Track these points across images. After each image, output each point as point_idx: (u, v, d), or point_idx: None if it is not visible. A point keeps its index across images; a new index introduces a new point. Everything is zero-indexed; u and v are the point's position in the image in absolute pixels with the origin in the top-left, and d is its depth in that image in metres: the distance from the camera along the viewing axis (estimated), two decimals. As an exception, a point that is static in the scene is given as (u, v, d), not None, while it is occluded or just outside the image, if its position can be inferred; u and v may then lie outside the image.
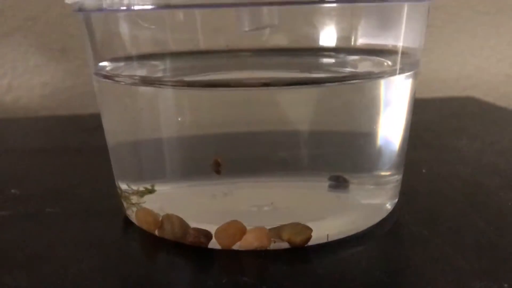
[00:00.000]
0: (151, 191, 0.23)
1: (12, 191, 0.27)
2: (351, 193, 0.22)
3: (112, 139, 0.24)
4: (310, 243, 0.20)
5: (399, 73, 0.22)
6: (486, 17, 0.51)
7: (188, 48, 0.22)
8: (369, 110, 0.22)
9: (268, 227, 0.20)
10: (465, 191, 0.26)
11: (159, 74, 0.23)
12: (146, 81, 0.22)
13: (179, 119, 0.21)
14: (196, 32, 0.21)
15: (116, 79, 0.23)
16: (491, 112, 0.44)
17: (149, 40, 0.22)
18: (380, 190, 0.23)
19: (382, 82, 0.22)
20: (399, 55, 0.22)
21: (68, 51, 0.46)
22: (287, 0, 0.20)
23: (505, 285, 0.18)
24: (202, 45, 0.22)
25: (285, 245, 0.20)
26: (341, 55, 0.24)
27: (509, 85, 0.53)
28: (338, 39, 0.21)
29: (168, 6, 0.20)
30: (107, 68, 0.23)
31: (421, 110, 0.23)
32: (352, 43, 0.22)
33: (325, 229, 0.21)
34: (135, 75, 0.23)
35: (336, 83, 0.22)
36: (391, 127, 0.22)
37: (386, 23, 0.22)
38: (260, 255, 0.20)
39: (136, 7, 0.20)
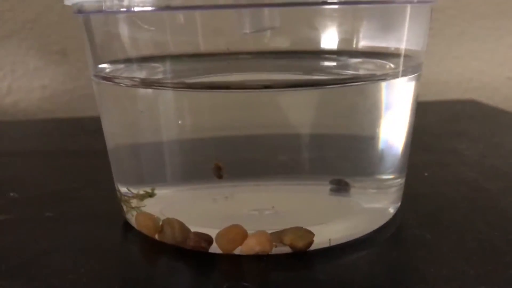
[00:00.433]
0: (151, 195, 0.22)
1: (11, 194, 0.27)
2: (353, 197, 0.22)
3: (111, 141, 0.24)
4: (312, 247, 0.20)
5: (402, 76, 0.22)
6: (487, 20, 0.51)
7: (189, 50, 0.22)
8: (371, 113, 0.21)
9: (269, 232, 0.20)
10: (468, 195, 0.25)
11: (159, 76, 0.23)
12: (146, 83, 0.22)
13: (179, 121, 0.21)
14: (197, 34, 0.21)
15: (116, 81, 0.23)
16: (492, 115, 0.44)
17: (149, 42, 0.22)
18: (382, 194, 0.23)
19: (385, 85, 0.22)
20: (402, 57, 0.22)
21: (68, 54, 0.46)
22: (288, 2, 0.20)
23: (510, 290, 0.18)
24: (203, 47, 0.21)
25: (287, 249, 0.20)
26: (343, 58, 0.24)
27: (510, 88, 0.53)
28: (340, 41, 0.21)
29: (168, 8, 0.19)
30: (107, 70, 0.23)
31: (422, 113, 0.23)
32: (354, 46, 0.21)
33: (327, 233, 0.21)
34: (135, 77, 0.22)
35: (337, 86, 0.21)
36: (393, 130, 0.22)
37: (388, 25, 0.21)
38: (262, 260, 0.20)
39: (136, 9, 0.20)
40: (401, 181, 0.23)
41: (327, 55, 0.24)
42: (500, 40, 0.52)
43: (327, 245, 0.21)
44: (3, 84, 0.46)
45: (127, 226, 0.23)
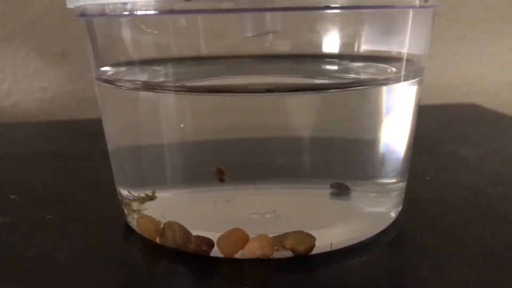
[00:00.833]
0: (152, 198, 0.22)
1: (11, 196, 0.27)
2: (354, 201, 0.22)
3: (113, 144, 0.24)
4: (314, 251, 0.20)
5: (404, 80, 0.22)
6: (487, 23, 0.51)
7: (190, 53, 0.22)
8: (372, 117, 0.21)
9: (270, 235, 0.20)
10: (468, 200, 0.25)
11: (161, 79, 0.23)
12: (148, 86, 0.22)
13: (181, 125, 0.21)
14: (198, 37, 0.21)
15: (118, 84, 0.23)
16: (493, 119, 0.44)
17: (151, 45, 0.22)
18: (384, 198, 0.23)
19: (386, 89, 0.22)
20: (404, 62, 0.22)
21: (68, 56, 0.46)
22: (290, 7, 0.20)
23: (512, 296, 0.18)
24: (204, 50, 0.21)
25: (288, 253, 0.20)
26: (345, 62, 0.24)
27: (510, 92, 0.53)
28: (342, 45, 0.21)
29: (171, 12, 0.19)
30: (109, 73, 0.23)
31: (422, 116, 0.23)
32: (356, 50, 0.21)
33: (329, 237, 0.21)
34: (137, 80, 0.22)
35: (339, 90, 0.21)
36: (395, 135, 0.22)
37: (390, 29, 0.21)
38: (263, 264, 0.20)
39: (139, 13, 0.20)
40: (402, 185, 0.23)
41: (328, 59, 0.24)
42: (501, 44, 0.52)
43: (328, 249, 0.20)
44: (3, 86, 0.46)
45: (128, 229, 0.23)
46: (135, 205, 0.23)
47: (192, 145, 0.22)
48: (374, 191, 0.22)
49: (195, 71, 0.24)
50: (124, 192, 0.23)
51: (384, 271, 0.19)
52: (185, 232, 0.21)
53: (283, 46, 0.23)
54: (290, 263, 0.20)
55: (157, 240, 0.21)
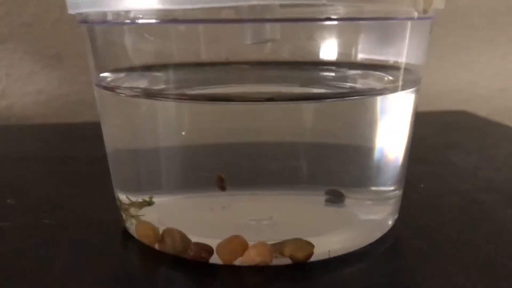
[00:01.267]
0: (149, 203, 0.23)
1: (8, 201, 0.27)
2: (350, 208, 0.23)
3: (111, 148, 0.24)
4: (312, 259, 0.20)
5: (401, 90, 0.22)
6: (479, 31, 0.52)
7: (190, 59, 0.22)
8: (369, 125, 0.22)
9: (268, 242, 0.20)
10: (463, 207, 0.26)
11: (161, 86, 0.23)
12: (148, 94, 0.22)
13: (182, 132, 0.21)
14: (199, 43, 0.21)
15: (117, 91, 0.23)
16: (485, 126, 0.45)
17: (151, 52, 0.22)
18: (381, 206, 0.23)
19: (384, 98, 0.22)
20: (402, 71, 0.22)
21: (64, 58, 0.46)
22: (290, 18, 0.20)
23: (507, 304, 0.18)
24: (204, 56, 0.22)
25: (287, 261, 0.20)
26: (342, 69, 0.24)
27: (502, 99, 0.54)
28: (339, 53, 0.21)
29: (174, 21, 0.19)
30: (108, 79, 0.23)
31: (414, 123, 0.24)
32: (353, 58, 0.22)
33: (326, 244, 0.21)
34: (137, 87, 0.22)
35: (338, 99, 0.22)
36: (392, 143, 0.23)
37: (388, 39, 0.22)
38: (262, 271, 0.20)
39: (141, 21, 0.20)
40: (399, 192, 0.24)
41: (326, 67, 0.24)
42: (493, 52, 0.53)
43: (326, 256, 0.21)
44: (-2, 87, 0.46)
45: (126, 234, 0.23)
46: (133, 211, 0.23)
47: (190, 151, 0.22)
48: (371, 199, 0.23)
49: (194, 78, 0.24)
50: (122, 197, 0.23)
51: (382, 278, 0.20)
52: (185, 238, 0.21)
53: (281, 54, 0.23)
54: (289, 270, 0.20)
55: (156, 246, 0.22)
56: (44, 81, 0.46)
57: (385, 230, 0.23)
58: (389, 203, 0.23)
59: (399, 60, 0.22)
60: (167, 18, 0.20)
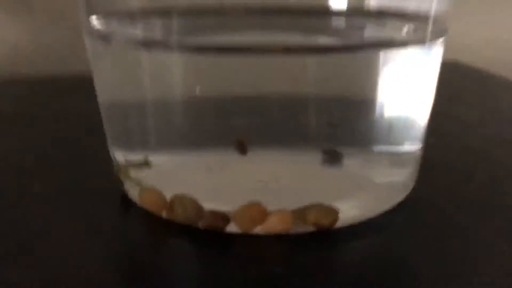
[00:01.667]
0: (147, 164, 0.21)
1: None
2: (366, 171, 0.21)
3: (107, 102, 0.22)
4: (336, 225, 0.19)
5: (428, 41, 0.20)
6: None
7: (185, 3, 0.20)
8: (389, 79, 0.20)
9: (288, 208, 0.19)
10: (481, 165, 0.25)
11: (160, 35, 0.21)
12: (148, 44, 0.20)
13: (195, 87, 0.19)
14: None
15: (112, 39, 0.20)
16: (479, 78, 0.43)
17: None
18: (403, 167, 0.21)
19: (408, 52, 0.20)
20: (428, 20, 0.20)
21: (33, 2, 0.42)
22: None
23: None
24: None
25: (308, 228, 0.19)
26: (355, 17, 0.22)
27: (491, 50, 0.53)
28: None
29: None
30: (101, 26, 0.21)
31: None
32: (370, 2, 0.20)
33: (346, 210, 0.19)
34: (135, 36, 0.20)
35: (370, 50, 0.20)
36: (413, 99, 0.21)
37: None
38: (283, 239, 0.18)
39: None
40: (420, 152, 0.22)
41: (335, 14, 0.22)
42: (479, 1, 0.51)
43: (350, 222, 0.19)
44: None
45: (126, 201, 0.21)
46: (132, 173, 0.21)
47: (188, 105, 0.20)
48: (394, 160, 0.21)
49: (190, 25, 0.22)
50: (119, 157, 0.21)
51: (412, 245, 0.18)
52: (198, 206, 0.19)
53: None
54: (312, 239, 0.18)
55: (164, 214, 0.20)
56: (12, 29, 0.42)
57: (406, 192, 0.21)
58: (411, 163, 0.22)
59: (424, 6, 0.20)
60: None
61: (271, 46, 0.19)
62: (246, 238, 0.18)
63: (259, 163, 0.20)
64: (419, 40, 0.20)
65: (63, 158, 0.25)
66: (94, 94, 0.22)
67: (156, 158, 0.21)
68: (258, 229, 0.18)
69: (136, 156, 0.21)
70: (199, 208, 0.19)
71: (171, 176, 0.20)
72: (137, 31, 0.20)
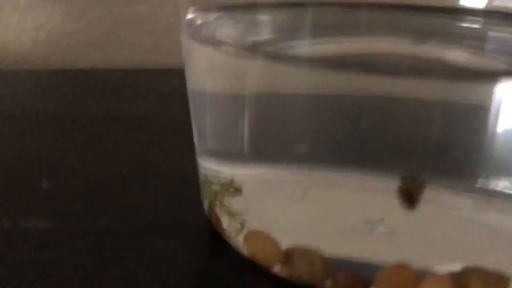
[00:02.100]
0: (237, 189, 0.16)
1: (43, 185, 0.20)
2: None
3: (197, 106, 0.17)
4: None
5: None
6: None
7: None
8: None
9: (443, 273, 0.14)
10: None
11: (267, 37, 0.17)
12: (261, 53, 0.15)
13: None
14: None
15: (209, 44, 0.16)
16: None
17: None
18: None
19: None
20: None
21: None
22: None
23: None
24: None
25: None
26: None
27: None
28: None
29: None
30: (198, 22, 0.17)
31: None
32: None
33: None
34: (244, 42, 0.16)
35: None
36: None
37: None
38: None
39: None
40: None
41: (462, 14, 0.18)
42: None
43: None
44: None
45: (217, 239, 0.17)
46: (226, 202, 0.16)
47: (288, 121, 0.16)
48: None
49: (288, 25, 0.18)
50: (210, 171, 0.17)
51: None
52: (327, 264, 0.15)
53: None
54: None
55: (276, 269, 0.15)
56: (45, 15, 0.38)
57: None
58: None
59: None
60: None
61: (435, 70, 0.14)
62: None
63: (355, 194, 0.16)
64: None
65: (128, 176, 0.20)
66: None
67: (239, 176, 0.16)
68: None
69: (227, 171, 0.16)
70: (327, 267, 0.15)
71: (274, 208, 0.16)
72: (246, 33, 0.16)
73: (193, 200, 0.18)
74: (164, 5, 0.38)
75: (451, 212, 0.17)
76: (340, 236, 0.15)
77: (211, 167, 0.17)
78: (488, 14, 0.18)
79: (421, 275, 0.14)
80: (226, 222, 0.16)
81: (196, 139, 0.18)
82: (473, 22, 0.19)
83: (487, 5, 0.18)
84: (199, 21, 0.17)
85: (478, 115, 0.16)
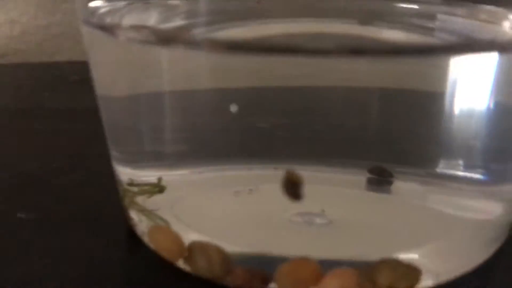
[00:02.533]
0: (160, 189, 0.16)
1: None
2: (448, 204, 0.15)
3: (107, 104, 0.17)
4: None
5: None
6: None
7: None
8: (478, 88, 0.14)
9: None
10: None
11: (179, 22, 0.16)
12: (164, 38, 0.15)
13: (230, 107, 0.14)
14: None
15: (115, 31, 0.15)
16: None
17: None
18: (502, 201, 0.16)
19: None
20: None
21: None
22: None
23: None
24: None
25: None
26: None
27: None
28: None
29: None
30: (102, 10, 0.16)
31: None
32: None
33: (427, 265, 0.14)
34: (146, 27, 0.15)
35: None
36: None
37: None
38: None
39: None
40: None
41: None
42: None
43: (435, 282, 0.14)
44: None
45: (134, 238, 0.16)
46: (140, 201, 0.16)
47: (210, 111, 0.15)
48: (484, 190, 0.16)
49: (218, 9, 0.17)
50: (123, 177, 0.16)
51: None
52: (226, 260, 0.14)
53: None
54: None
55: (180, 263, 0.15)
56: (18, 9, 0.37)
57: (503, 238, 0.16)
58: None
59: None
60: None
61: (335, 47, 0.13)
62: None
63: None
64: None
65: (61, 172, 0.20)
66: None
67: (170, 178, 0.16)
68: (309, 294, 0.13)
69: (140, 175, 0.16)
70: (228, 263, 0.14)
71: (188, 205, 0.16)
72: (146, 17, 0.15)
73: (117, 195, 0.17)
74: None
75: (395, 200, 0.16)
76: (263, 231, 0.15)
77: (122, 167, 0.17)
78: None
79: (356, 266, 0.13)
80: (136, 218, 0.16)
81: (109, 143, 0.17)
82: (417, 2, 0.18)
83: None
84: (104, 9, 0.16)
85: (418, 99, 0.15)
